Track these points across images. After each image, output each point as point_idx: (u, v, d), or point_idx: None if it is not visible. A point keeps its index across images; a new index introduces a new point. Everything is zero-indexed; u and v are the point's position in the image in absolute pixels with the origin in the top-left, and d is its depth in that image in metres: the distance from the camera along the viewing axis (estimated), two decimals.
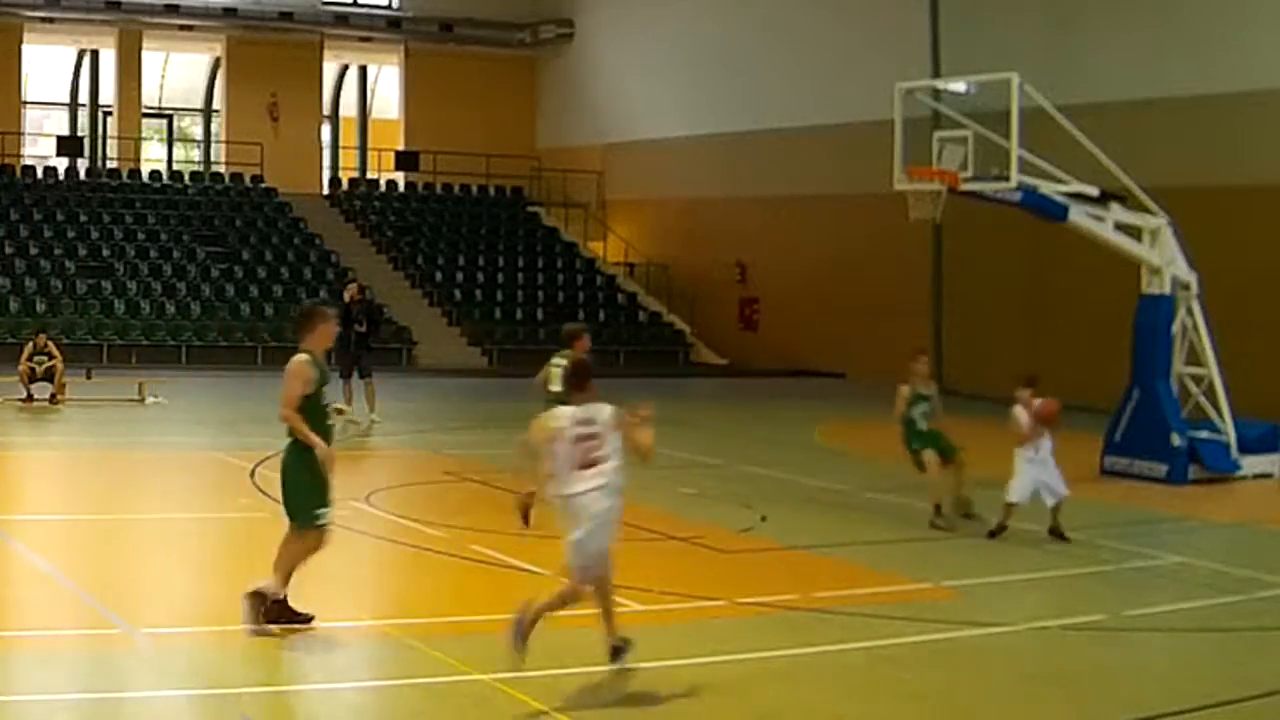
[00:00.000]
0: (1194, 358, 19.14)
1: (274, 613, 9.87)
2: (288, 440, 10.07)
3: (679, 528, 14.36)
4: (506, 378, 33.68)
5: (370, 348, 23.14)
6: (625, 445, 9.36)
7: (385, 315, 30.34)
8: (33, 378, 24.26)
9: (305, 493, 9.94)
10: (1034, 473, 13.98)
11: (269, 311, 35.26)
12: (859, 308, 33.22)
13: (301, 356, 10.18)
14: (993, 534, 14.12)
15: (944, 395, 15.80)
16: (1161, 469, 18.46)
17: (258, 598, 9.86)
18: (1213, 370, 19.03)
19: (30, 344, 24.59)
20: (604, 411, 9.39)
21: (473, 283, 39.05)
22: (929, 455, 14.90)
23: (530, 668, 9.23)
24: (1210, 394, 19.05)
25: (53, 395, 24.26)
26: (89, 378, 25.82)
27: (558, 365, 13.77)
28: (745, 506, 15.64)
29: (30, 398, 24.06)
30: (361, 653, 10.09)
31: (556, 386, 14.32)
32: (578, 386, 9.66)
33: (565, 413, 9.41)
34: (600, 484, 9.18)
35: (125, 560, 12.91)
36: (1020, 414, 14.08)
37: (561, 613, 9.20)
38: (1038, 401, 14.13)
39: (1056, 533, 14.07)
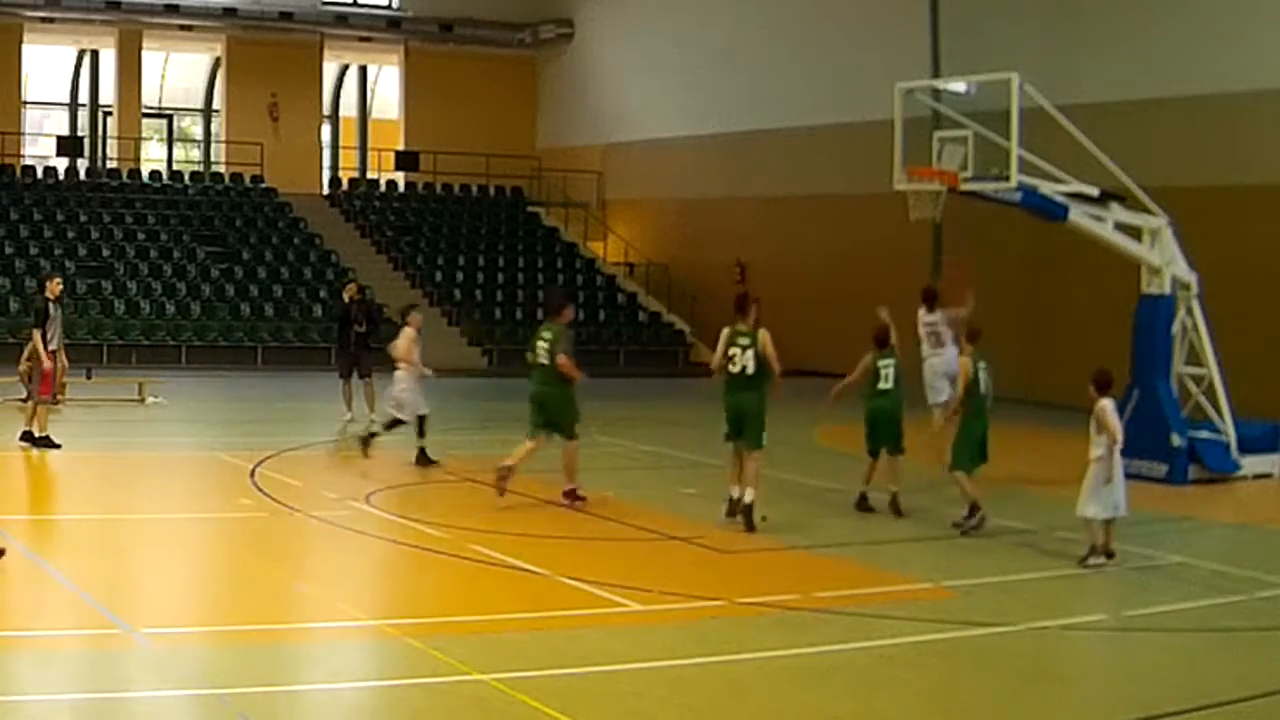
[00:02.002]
0: (1194, 358, 19.13)
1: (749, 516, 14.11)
2: (749, 390, 14.17)
3: (679, 528, 14.36)
4: (506, 378, 33.73)
5: (370, 348, 23.13)
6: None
7: (384, 315, 30.31)
8: (32, 378, 24.20)
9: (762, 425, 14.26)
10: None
11: (269, 311, 35.24)
12: (859, 308, 33.09)
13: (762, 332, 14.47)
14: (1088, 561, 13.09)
15: None
16: (1161, 469, 18.43)
17: (747, 510, 14.13)
18: (1213, 370, 19.02)
19: (30, 344, 24.50)
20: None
21: (473, 283, 39.04)
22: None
23: (530, 668, 9.24)
24: (1210, 394, 19.04)
25: (53, 395, 24.20)
26: (89, 378, 25.80)
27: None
28: None
29: (30, 398, 23.98)
30: (361, 653, 10.09)
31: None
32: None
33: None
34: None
35: (125, 560, 12.91)
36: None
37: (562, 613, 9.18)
38: None
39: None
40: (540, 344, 15.55)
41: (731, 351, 14.36)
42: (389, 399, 18.60)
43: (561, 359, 15.28)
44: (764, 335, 14.35)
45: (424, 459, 18.21)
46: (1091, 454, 13.03)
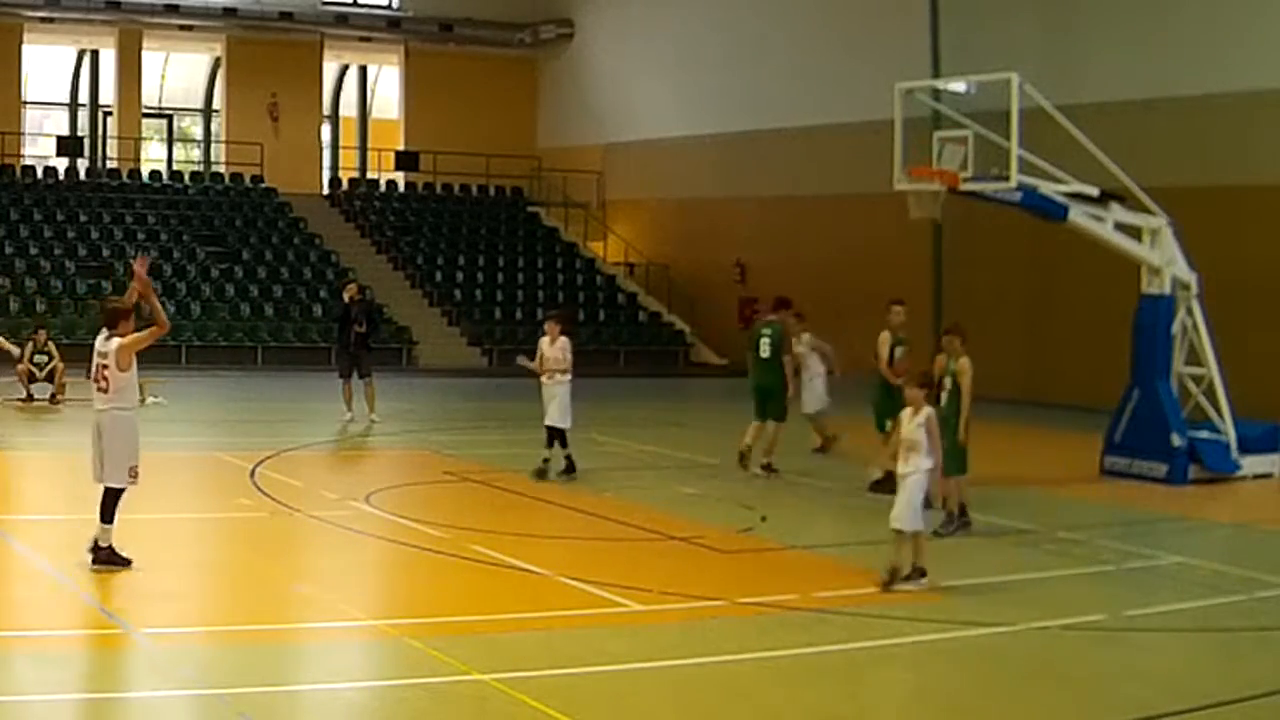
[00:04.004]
0: (1194, 358, 19.12)
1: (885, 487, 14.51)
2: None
3: (679, 528, 14.36)
4: (506, 378, 33.74)
5: (370, 348, 23.14)
6: None
7: (384, 315, 30.35)
8: (32, 378, 24.27)
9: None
10: None
11: (269, 311, 35.24)
12: (859, 308, 33.11)
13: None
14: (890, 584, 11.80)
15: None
16: (1161, 469, 18.44)
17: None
18: (1213, 370, 19.01)
19: (30, 342, 24.59)
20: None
21: (473, 283, 39.04)
22: None
23: (530, 668, 9.24)
24: (1210, 394, 19.03)
25: (53, 395, 24.27)
26: (90, 378, 25.78)
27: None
28: (745, 506, 15.64)
29: (30, 398, 24.06)
30: (361, 653, 10.09)
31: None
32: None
33: None
34: None
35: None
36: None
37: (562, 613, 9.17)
38: None
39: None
40: (764, 341, 17.88)
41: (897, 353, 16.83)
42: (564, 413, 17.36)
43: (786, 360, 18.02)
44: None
45: (569, 468, 17.46)
46: (919, 465, 11.72)
